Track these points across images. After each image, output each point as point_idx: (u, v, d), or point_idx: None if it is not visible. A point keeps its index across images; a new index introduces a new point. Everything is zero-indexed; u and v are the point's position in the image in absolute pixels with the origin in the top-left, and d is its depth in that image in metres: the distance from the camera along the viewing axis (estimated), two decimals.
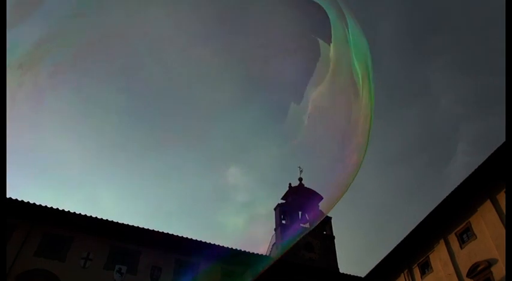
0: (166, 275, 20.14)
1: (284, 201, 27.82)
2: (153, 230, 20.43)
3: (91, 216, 19.34)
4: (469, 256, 21.44)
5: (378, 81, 75.54)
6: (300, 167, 33.03)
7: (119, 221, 19.99)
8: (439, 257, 23.67)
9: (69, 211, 19.12)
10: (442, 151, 70.64)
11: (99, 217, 19.56)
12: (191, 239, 21.10)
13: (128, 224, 20.15)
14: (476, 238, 21.38)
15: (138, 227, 20.24)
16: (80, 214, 19.18)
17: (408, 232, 24.90)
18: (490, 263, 20.01)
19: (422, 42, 70.67)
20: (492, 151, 19.34)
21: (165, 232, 20.75)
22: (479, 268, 20.55)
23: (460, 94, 69.56)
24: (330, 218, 27.84)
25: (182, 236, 20.93)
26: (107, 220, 19.67)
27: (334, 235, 27.00)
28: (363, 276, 25.51)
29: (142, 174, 73.76)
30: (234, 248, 21.80)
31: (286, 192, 28.11)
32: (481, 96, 67.37)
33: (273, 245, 25.70)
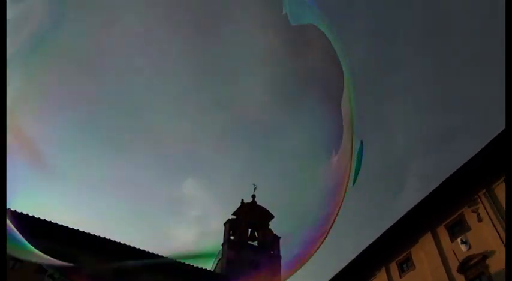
0: None
1: (235, 217, 27.52)
2: (89, 233, 19.46)
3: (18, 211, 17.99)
4: None
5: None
6: (254, 184, 33.06)
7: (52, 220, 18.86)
8: None
9: None
10: (394, 184, 73.50)
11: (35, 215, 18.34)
12: (134, 247, 20.29)
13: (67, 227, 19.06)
14: (415, 268, 22.17)
15: (78, 230, 19.20)
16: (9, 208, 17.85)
17: (351, 259, 25.43)
18: None
19: (383, 79, 74.20)
20: (437, 186, 20.37)
21: (107, 237, 19.83)
22: None
23: (413, 131, 73.27)
24: (279, 237, 27.83)
25: (125, 244, 20.06)
26: (39, 218, 18.46)
27: (280, 255, 26.95)
28: None
29: (90, 179, 70.53)
30: (178, 261, 21.17)
31: (238, 208, 27.84)
32: (433, 133, 71.27)
33: (218, 261, 25.23)
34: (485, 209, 18.74)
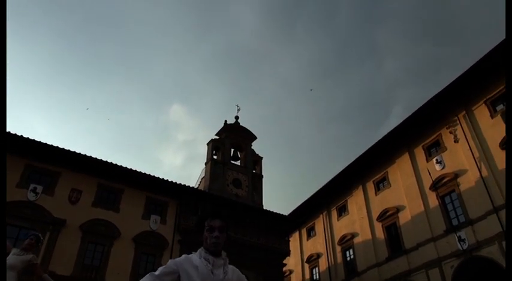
0: (87, 198, 19.52)
1: (218, 137, 27.69)
2: (74, 151, 19.35)
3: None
4: (381, 202, 23.30)
5: (331, 39, 75.27)
6: (237, 105, 32.85)
7: (36, 139, 18.58)
8: (355, 201, 25.50)
9: None
10: (379, 112, 74.09)
11: (16, 133, 17.93)
12: (116, 164, 20.41)
13: (46, 144, 18.80)
14: (390, 186, 23.13)
15: (58, 147, 19.01)
16: None
17: (331, 178, 26.37)
18: (398, 209, 21.93)
19: (374, 4, 70.73)
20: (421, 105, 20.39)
21: (87, 154, 19.79)
22: (388, 213, 22.48)
23: (402, 60, 72.04)
24: (261, 158, 28.39)
25: (106, 161, 20.14)
26: (22, 136, 18.12)
27: (262, 174, 27.71)
28: (286, 214, 26.88)
29: (80, 102, 69.24)
30: (161, 177, 21.60)
31: (221, 128, 27.90)
32: (420, 64, 70.31)
33: (201, 179, 25.88)
34: (463, 130, 19.05)
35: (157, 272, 2.14)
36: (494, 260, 15.94)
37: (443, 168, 19.72)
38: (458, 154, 19.19)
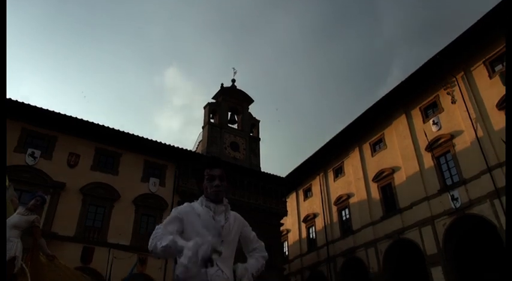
0: (85, 162, 19.67)
1: (214, 101, 27.51)
2: (70, 116, 19.27)
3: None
4: (377, 163, 23.59)
5: None
6: (234, 69, 32.41)
7: (31, 103, 18.44)
8: (351, 163, 25.81)
9: None
10: (378, 73, 73.37)
11: (11, 98, 17.73)
12: (113, 128, 20.41)
13: (42, 108, 18.68)
14: (386, 147, 23.34)
15: (53, 111, 18.91)
16: None
17: (328, 140, 26.54)
18: (393, 170, 22.25)
19: None
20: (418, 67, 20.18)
21: (84, 118, 19.72)
22: (383, 174, 22.84)
23: (401, 21, 70.37)
24: (258, 121, 28.38)
25: (103, 125, 20.10)
26: (17, 101, 17.95)
27: (260, 137, 27.81)
28: (284, 176, 27.28)
29: (75, 65, 67.93)
30: (158, 141, 21.69)
31: (218, 92, 27.66)
32: (421, 25, 68.78)
33: (199, 142, 25.97)
34: (461, 91, 18.97)
35: (164, 223, 2.17)
36: (485, 217, 16.40)
37: (439, 129, 19.82)
38: (455, 115, 19.22)
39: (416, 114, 21.53)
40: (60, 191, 18.30)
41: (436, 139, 19.71)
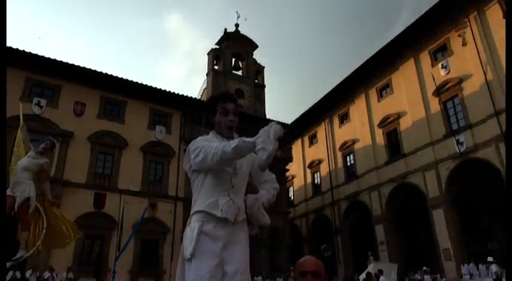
0: (91, 110, 19.75)
1: (218, 47, 26.87)
2: (73, 64, 19.03)
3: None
4: (383, 109, 23.42)
5: None
6: (237, 12, 31.17)
7: (32, 52, 18.14)
8: (357, 109, 25.66)
9: None
10: (386, 16, 70.48)
11: (11, 46, 17.41)
12: (117, 77, 20.22)
13: (44, 56, 18.42)
14: (393, 93, 23.05)
15: (57, 60, 18.66)
16: None
17: (334, 86, 26.16)
18: (399, 115, 22.14)
19: None
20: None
21: (88, 67, 19.50)
22: (389, 119, 22.76)
23: None
24: (263, 67, 27.89)
25: (107, 73, 19.91)
26: (17, 49, 17.63)
27: (265, 84, 27.49)
28: (289, 123, 27.29)
29: (73, 9, 65.88)
30: (163, 89, 21.55)
31: (221, 37, 26.93)
32: None
33: (204, 90, 25.78)
34: (472, 33, 18.29)
35: (202, 144, 2.11)
36: (489, 161, 16.51)
37: (448, 73, 19.39)
38: (465, 58, 18.69)
39: (425, 58, 20.98)
40: (68, 139, 18.58)
41: (444, 83, 19.36)
